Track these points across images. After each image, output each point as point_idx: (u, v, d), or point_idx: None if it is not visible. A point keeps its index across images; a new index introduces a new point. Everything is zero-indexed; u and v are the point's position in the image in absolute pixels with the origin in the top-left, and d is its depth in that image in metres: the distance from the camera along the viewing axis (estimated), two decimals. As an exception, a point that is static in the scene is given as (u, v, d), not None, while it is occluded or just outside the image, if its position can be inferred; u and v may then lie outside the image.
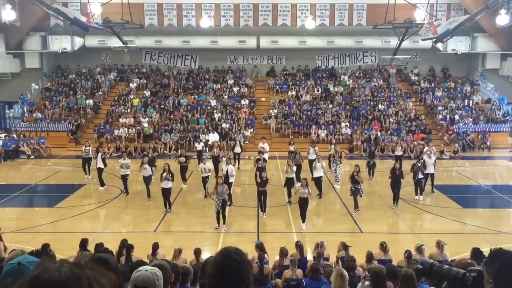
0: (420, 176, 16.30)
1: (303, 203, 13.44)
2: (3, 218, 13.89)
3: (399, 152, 21.69)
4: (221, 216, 13.31)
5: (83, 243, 9.30)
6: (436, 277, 2.42)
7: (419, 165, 16.49)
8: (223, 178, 14.29)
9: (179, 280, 4.80)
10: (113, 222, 14.13)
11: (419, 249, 9.02)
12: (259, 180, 14.44)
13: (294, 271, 8.39)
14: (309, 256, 9.99)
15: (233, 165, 17.69)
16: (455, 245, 10.78)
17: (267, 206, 14.63)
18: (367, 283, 6.41)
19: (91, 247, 9.22)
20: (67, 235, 12.43)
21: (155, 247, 9.47)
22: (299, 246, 9.70)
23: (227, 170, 15.82)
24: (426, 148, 19.84)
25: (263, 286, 8.53)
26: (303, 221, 13.43)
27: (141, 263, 5.02)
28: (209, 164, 17.21)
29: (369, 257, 8.79)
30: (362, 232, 13.14)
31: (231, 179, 15.63)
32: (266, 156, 19.67)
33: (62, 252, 8.93)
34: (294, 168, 16.26)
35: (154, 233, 12.83)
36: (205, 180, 16.58)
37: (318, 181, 16.69)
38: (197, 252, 9.20)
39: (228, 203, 13.97)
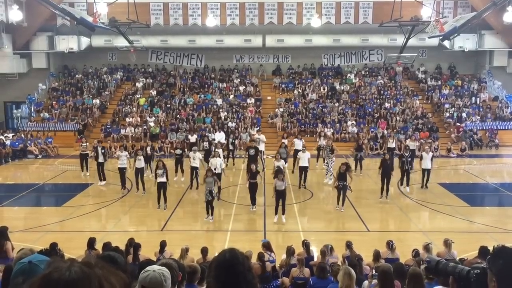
0: (407, 167, 16.37)
1: (279, 196, 13.58)
2: (11, 218, 14.01)
3: (391, 145, 21.82)
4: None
5: (91, 242, 9.36)
6: (442, 274, 2.41)
7: (407, 154, 16.55)
8: (211, 170, 14.34)
9: (186, 279, 4.81)
10: (121, 221, 14.19)
11: (427, 248, 8.99)
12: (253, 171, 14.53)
13: (301, 270, 8.40)
14: (316, 255, 9.98)
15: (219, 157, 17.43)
16: (463, 243, 10.73)
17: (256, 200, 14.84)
18: (374, 281, 6.41)
19: (98, 246, 9.28)
20: (74, 234, 12.50)
21: (163, 245, 9.50)
22: (305, 245, 9.71)
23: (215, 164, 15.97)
24: (412, 140, 20.04)
25: (268, 284, 8.56)
26: (283, 213, 13.62)
27: (150, 262, 5.04)
28: (199, 154, 17.19)
29: (376, 256, 8.78)
30: (369, 230, 13.11)
31: (217, 171, 15.65)
32: (262, 146, 19.77)
33: (70, 251, 9.01)
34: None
35: (161, 232, 12.86)
36: (193, 171, 16.82)
37: (302, 170, 16.83)
38: (204, 251, 9.22)
39: (216, 197, 14.13)
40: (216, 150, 17.42)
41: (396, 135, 25.29)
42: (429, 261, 2.51)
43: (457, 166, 22.41)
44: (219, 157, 16.73)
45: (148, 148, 19.55)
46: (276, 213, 13.76)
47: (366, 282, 7.15)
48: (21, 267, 2.10)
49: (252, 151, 17.30)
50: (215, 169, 15.41)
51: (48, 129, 26.99)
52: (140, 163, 16.53)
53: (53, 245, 8.40)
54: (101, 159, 18.16)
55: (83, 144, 19.81)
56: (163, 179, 14.75)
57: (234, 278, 2.45)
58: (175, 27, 29.62)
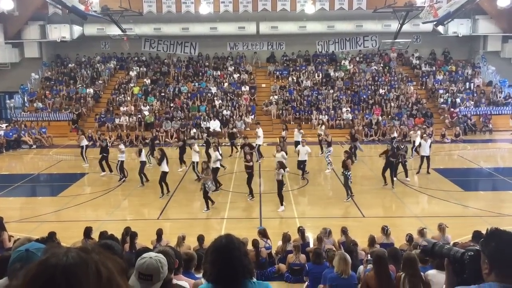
0: (401, 160, 16.42)
1: (278, 185, 13.68)
2: (7, 208, 13.96)
3: (394, 134, 22.31)
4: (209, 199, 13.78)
5: (87, 231, 9.39)
6: (437, 256, 2.47)
7: (402, 147, 16.59)
8: (207, 164, 14.41)
9: (182, 266, 4.85)
10: (117, 210, 14.20)
11: (422, 232, 9.09)
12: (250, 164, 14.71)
13: (297, 256, 8.47)
14: (311, 241, 10.05)
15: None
16: (457, 228, 10.85)
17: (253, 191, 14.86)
18: (369, 266, 6.48)
19: (95, 235, 9.31)
20: (71, 223, 12.50)
21: (159, 233, 9.55)
22: (301, 231, 9.78)
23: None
24: (415, 132, 20.04)
25: (264, 270, 8.65)
26: (281, 204, 13.63)
27: (147, 250, 5.07)
28: (197, 147, 17.27)
29: (371, 241, 8.87)
30: (364, 216, 13.20)
31: (216, 165, 15.65)
32: (259, 141, 19.85)
33: (66, 241, 9.01)
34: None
35: (158, 221, 12.88)
36: (193, 164, 17.04)
37: (300, 164, 16.91)
38: (201, 238, 9.28)
39: (214, 188, 14.20)
40: (214, 145, 17.34)
41: (391, 122, 25.44)
42: (425, 244, 2.57)
43: (451, 152, 22.53)
44: (218, 150, 16.71)
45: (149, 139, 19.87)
46: (282, 203, 13.74)
47: (361, 267, 7.23)
48: (18, 255, 2.11)
49: (247, 149, 17.33)
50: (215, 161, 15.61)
51: (42, 119, 26.90)
52: (143, 156, 16.66)
53: (51, 234, 8.43)
54: (105, 153, 18.12)
55: (80, 136, 19.85)
56: (164, 169, 14.95)
57: (230, 263, 2.47)
58: (168, 14, 29.36)
